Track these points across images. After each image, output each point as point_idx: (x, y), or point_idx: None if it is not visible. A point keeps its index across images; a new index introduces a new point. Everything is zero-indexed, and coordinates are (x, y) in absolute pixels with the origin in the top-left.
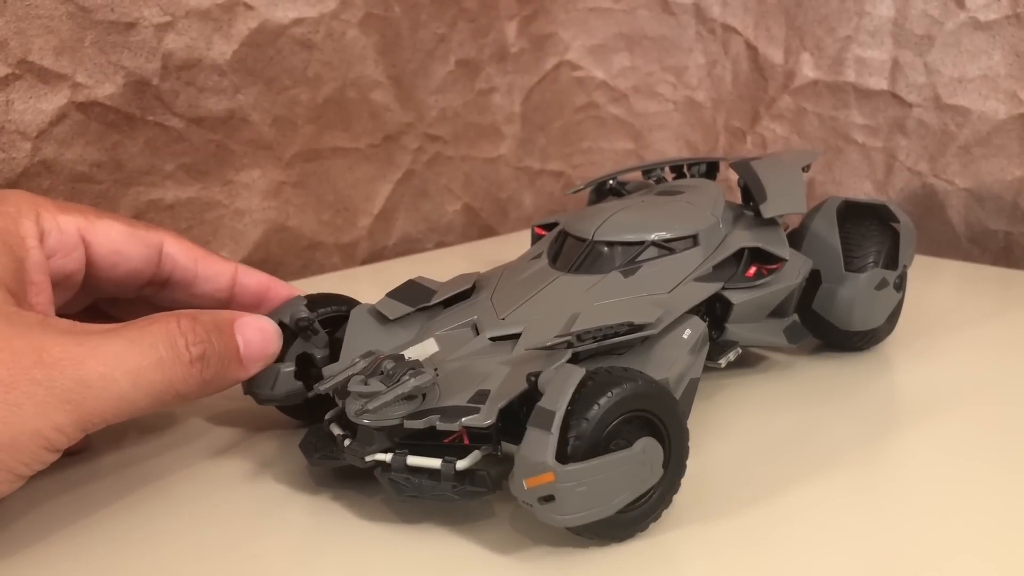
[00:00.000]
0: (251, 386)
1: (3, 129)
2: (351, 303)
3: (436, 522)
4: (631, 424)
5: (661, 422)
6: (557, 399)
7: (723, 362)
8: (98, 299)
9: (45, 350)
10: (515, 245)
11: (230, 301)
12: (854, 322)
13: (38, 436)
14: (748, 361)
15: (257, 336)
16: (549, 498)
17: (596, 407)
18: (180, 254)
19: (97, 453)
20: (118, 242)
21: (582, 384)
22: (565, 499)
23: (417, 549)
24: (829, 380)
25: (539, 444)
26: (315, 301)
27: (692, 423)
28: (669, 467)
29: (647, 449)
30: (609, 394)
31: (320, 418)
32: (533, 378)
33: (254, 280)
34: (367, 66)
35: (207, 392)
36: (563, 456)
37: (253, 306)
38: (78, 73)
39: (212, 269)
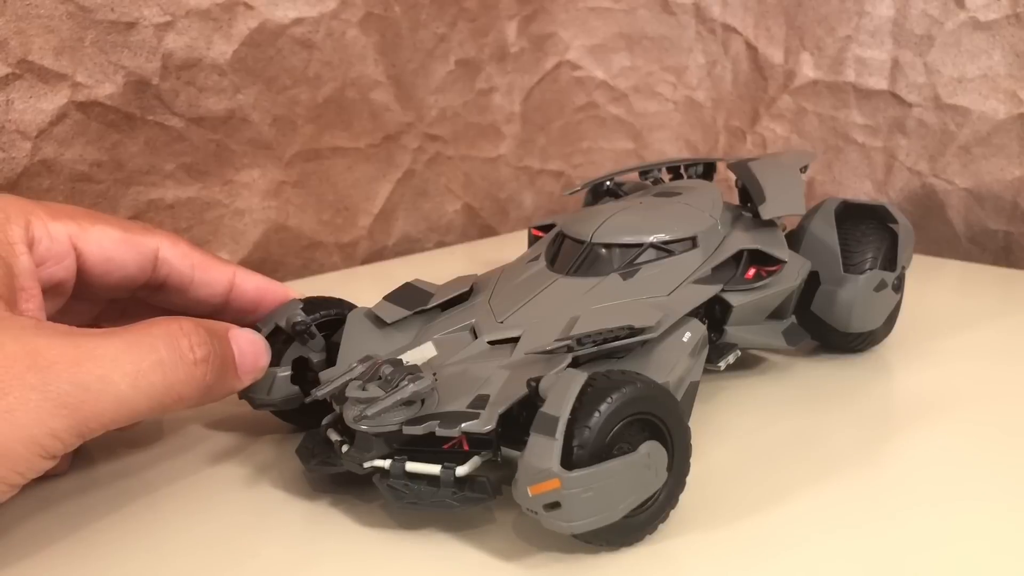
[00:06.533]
0: (247, 391)
1: (3, 129)
2: (347, 306)
3: (436, 529)
4: (633, 427)
5: (663, 424)
6: (560, 404)
7: (722, 365)
8: (103, 312)
9: (39, 353)
10: (515, 245)
11: (226, 304)
12: (853, 324)
13: (33, 444)
14: (747, 363)
15: (250, 348)
16: (555, 505)
17: (599, 411)
18: (176, 259)
19: (92, 461)
20: (111, 249)
21: (584, 389)
22: (571, 506)
23: (417, 556)
24: (828, 382)
25: (544, 450)
26: (311, 304)
27: (692, 427)
28: (673, 468)
29: (651, 452)
30: (612, 398)
31: (317, 422)
32: (534, 383)
33: (252, 283)
34: (367, 66)
35: (207, 399)
36: (568, 462)
37: (250, 309)
38: (78, 73)
39: (209, 274)
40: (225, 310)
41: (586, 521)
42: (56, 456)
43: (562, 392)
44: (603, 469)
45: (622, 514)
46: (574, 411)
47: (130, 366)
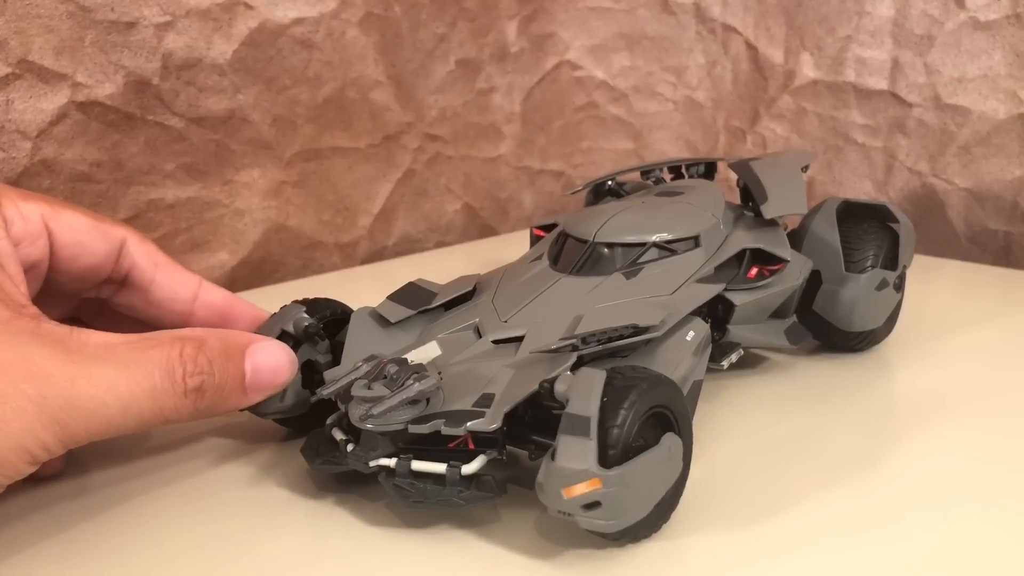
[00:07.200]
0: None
1: (3, 128)
2: (343, 307)
3: (442, 527)
4: (648, 422)
5: (674, 416)
6: (588, 404)
7: (725, 363)
8: (77, 310)
9: (36, 364)
10: (515, 245)
11: (191, 315)
12: (854, 323)
13: (22, 451)
14: (748, 362)
15: (269, 364)
16: (594, 505)
17: (625, 408)
18: (140, 255)
19: (95, 459)
20: (81, 233)
21: (607, 386)
22: (612, 504)
23: (422, 554)
24: (830, 382)
25: (579, 451)
26: (313, 306)
27: (695, 426)
28: (684, 458)
29: (672, 445)
30: (635, 393)
31: (318, 425)
32: (547, 384)
33: (218, 297)
34: (367, 66)
35: (198, 419)
36: (602, 461)
37: (217, 321)
38: (78, 73)
39: (172, 278)
40: (191, 320)
41: (625, 517)
42: (39, 462)
43: (587, 391)
44: (638, 464)
45: (652, 507)
46: (601, 410)
47: (124, 391)
